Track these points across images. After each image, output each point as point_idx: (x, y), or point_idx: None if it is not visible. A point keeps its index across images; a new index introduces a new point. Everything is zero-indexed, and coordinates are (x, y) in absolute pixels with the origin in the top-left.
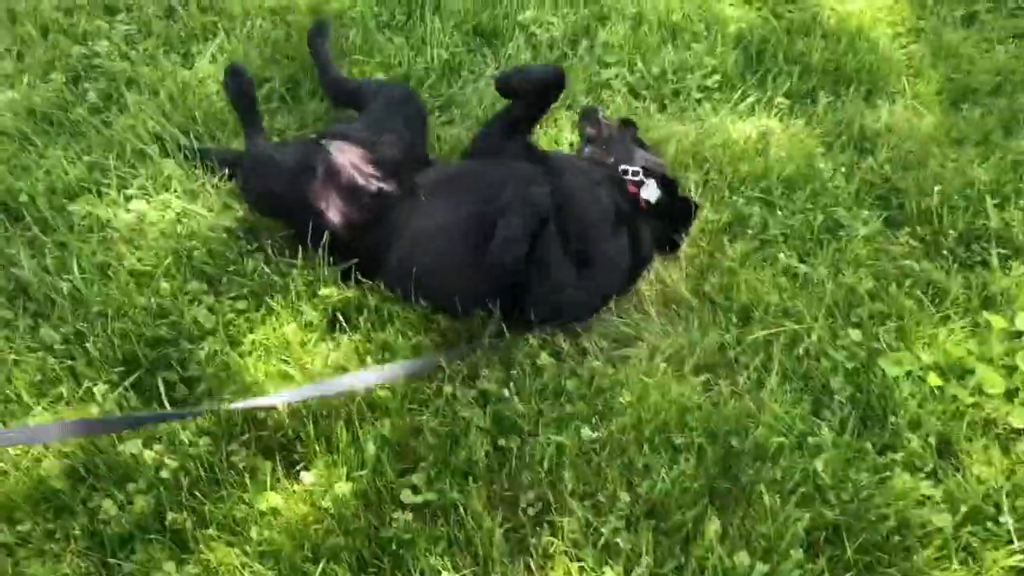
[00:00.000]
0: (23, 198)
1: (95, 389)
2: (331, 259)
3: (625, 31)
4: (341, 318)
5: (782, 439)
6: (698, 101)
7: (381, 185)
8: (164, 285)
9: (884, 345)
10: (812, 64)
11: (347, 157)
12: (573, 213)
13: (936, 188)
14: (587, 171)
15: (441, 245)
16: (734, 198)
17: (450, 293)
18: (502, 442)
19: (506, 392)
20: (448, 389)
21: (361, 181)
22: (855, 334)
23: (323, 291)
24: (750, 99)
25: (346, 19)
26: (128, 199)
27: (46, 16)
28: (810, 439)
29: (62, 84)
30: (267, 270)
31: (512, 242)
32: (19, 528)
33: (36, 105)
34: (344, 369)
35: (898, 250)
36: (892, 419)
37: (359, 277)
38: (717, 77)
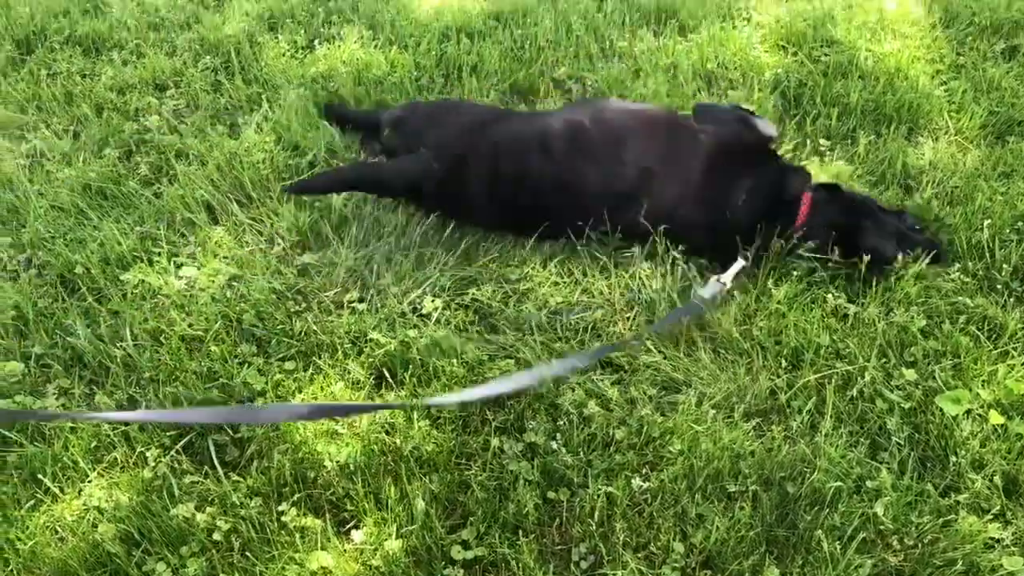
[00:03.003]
0: (79, 270)
1: (148, 453)
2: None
3: (660, 82)
4: (387, 374)
5: (839, 483)
6: None
7: None
8: (214, 349)
9: (941, 384)
10: (851, 105)
11: None
12: None
13: (986, 222)
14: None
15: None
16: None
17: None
18: (551, 495)
19: (554, 444)
20: (495, 443)
21: None
22: (910, 373)
23: (372, 335)
24: (791, 143)
25: (386, 85)
26: (179, 266)
27: (100, 96)
28: (868, 482)
29: (115, 159)
30: (315, 329)
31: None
32: None
33: (91, 180)
34: (392, 427)
35: (950, 286)
36: (954, 459)
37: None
38: None
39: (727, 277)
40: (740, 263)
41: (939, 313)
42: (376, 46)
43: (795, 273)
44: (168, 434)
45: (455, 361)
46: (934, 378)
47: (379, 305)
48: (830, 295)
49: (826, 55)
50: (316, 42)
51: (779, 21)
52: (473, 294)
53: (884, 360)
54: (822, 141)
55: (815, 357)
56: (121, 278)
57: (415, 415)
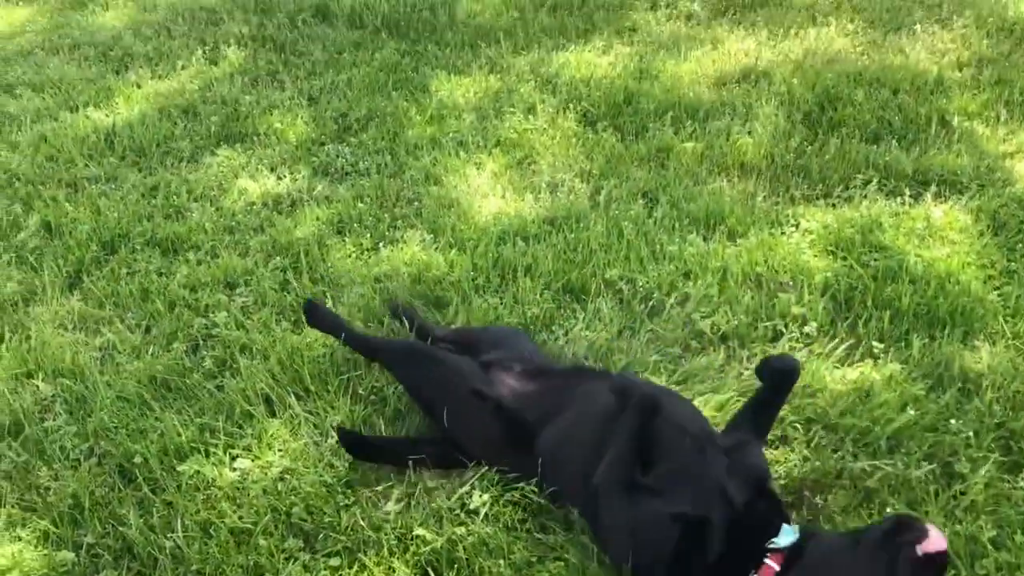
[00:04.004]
0: (137, 459)
1: None
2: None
3: (709, 283)
4: (432, 574)
5: None
6: (792, 349)
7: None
8: (262, 543)
9: None
10: (903, 308)
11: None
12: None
13: None
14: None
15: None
16: (840, 454)
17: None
18: None
19: None
20: None
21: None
22: None
23: (417, 531)
24: (844, 345)
25: (445, 284)
26: (234, 458)
27: (174, 293)
28: None
29: (182, 353)
30: (362, 523)
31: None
32: None
33: (158, 373)
34: None
35: (1020, 495)
36: None
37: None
38: (814, 325)
39: None
40: None
41: (1009, 523)
42: (436, 248)
43: (848, 482)
44: None
45: (502, 562)
46: None
47: (427, 500)
48: (889, 509)
49: (875, 260)
50: (381, 244)
51: (827, 227)
52: (523, 489)
53: (954, 572)
54: (875, 344)
55: None
56: (177, 469)
57: None
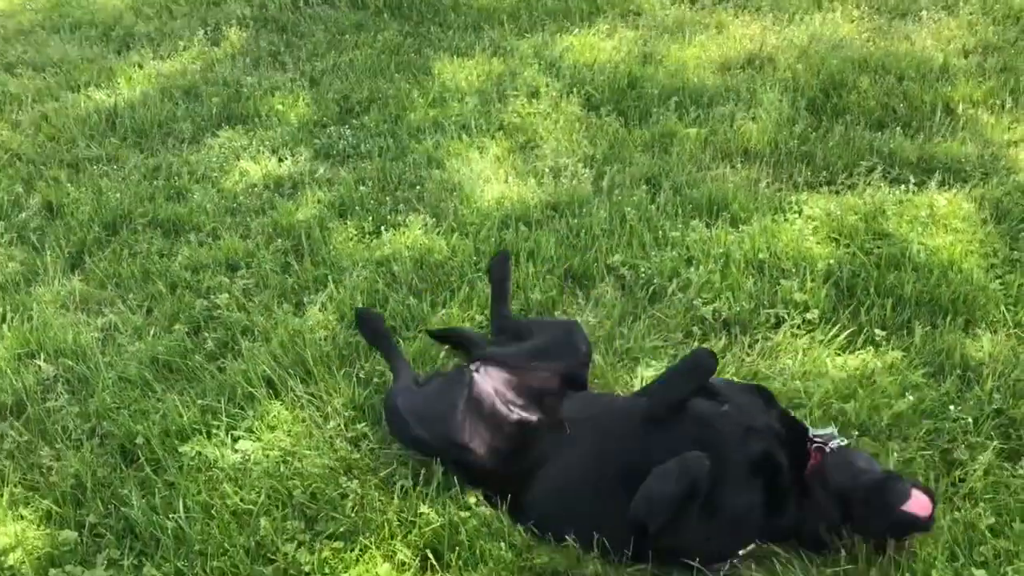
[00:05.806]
0: (139, 440)
1: None
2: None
3: (711, 270)
4: (432, 557)
5: None
6: (794, 335)
7: (522, 414)
8: (264, 523)
9: None
10: (905, 296)
11: (490, 383)
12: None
13: None
14: (748, 415)
15: (584, 483)
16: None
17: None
18: None
19: None
20: None
21: (502, 409)
22: (980, 574)
23: (423, 509)
24: (846, 332)
25: (447, 268)
26: (235, 440)
27: (175, 274)
28: None
29: (184, 334)
30: (363, 506)
31: (658, 505)
32: None
33: (159, 354)
34: None
35: (1019, 483)
36: None
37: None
38: (816, 312)
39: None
40: None
41: (1008, 510)
42: (439, 232)
43: None
44: None
45: (503, 544)
46: None
47: (431, 486)
48: None
49: (878, 247)
50: (383, 228)
51: (830, 215)
52: None
53: (952, 560)
54: (877, 331)
55: (879, 555)
56: (179, 450)
57: None
